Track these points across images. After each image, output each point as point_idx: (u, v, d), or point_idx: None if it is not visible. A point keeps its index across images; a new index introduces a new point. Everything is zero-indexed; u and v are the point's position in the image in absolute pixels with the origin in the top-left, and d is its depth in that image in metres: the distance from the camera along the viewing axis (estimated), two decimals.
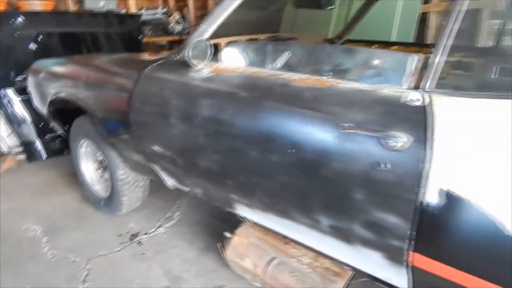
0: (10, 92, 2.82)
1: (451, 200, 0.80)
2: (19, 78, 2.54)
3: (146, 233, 1.96)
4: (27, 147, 2.92)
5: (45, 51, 2.73)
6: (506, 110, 0.75)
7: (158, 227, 2.01)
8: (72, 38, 3.08)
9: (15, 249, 1.82)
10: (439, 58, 0.85)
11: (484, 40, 1.29)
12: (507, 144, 0.73)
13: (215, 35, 1.33)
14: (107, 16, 3.55)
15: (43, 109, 2.26)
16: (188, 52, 1.22)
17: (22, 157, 2.96)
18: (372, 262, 1.03)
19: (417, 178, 0.83)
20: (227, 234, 1.59)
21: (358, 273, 1.17)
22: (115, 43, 3.37)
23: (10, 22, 2.77)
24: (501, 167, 0.74)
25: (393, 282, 1.03)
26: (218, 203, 1.48)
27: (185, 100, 1.31)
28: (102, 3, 3.60)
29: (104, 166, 2.02)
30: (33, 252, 1.80)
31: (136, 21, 3.43)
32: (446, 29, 0.84)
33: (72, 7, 3.48)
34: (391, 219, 0.90)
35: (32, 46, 2.74)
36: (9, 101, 2.85)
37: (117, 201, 2.03)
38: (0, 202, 2.30)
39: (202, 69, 1.28)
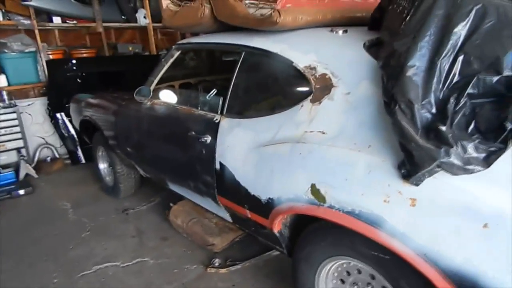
0: (62, 115, 4.14)
1: (223, 167, 1.71)
2: (68, 105, 3.75)
3: (133, 209, 3.02)
4: (72, 154, 4.23)
5: (86, 85, 4.00)
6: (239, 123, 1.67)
7: (142, 206, 3.06)
8: (107, 75, 4.31)
9: (52, 214, 2.99)
10: (228, 98, 1.78)
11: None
12: (241, 144, 1.64)
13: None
14: (133, 57, 4.85)
15: (77, 127, 3.48)
16: (135, 94, 2.29)
17: (68, 161, 4.28)
18: (212, 207, 1.96)
19: (213, 156, 1.76)
20: (171, 205, 2.60)
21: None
22: (139, 78, 4.61)
23: (65, 66, 4.13)
24: (239, 150, 1.65)
25: (226, 218, 1.95)
26: (162, 182, 2.48)
27: (137, 119, 2.38)
28: (130, 48, 4.91)
29: (110, 164, 3.15)
30: (62, 216, 2.95)
31: (156, 60, 4.63)
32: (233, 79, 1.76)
33: (107, 52, 4.82)
34: (208, 178, 1.83)
35: (78, 80, 4.03)
36: (62, 121, 4.18)
37: (117, 188, 3.13)
38: (50, 189, 3.54)
39: (145, 103, 2.33)
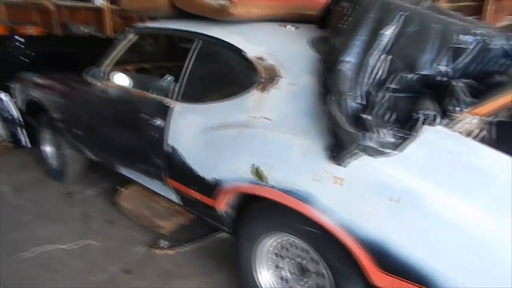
0: (3, 95, 3.91)
1: (174, 149, 1.78)
2: (12, 85, 3.56)
3: (80, 194, 2.96)
4: (15, 137, 4.01)
5: (34, 65, 3.80)
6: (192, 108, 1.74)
7: (90, 191, 3.01)
8: (57, 56, 4.14)
9: None
10: (180, 83, 1.85)
11: None
12: (189, 128, 1.71)
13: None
14: (87, 39, 4.69)
15: (23, 108, 3.32)
16: (85, 76, 2.27)
17: (11, 145, 4.06)
18: (161, 189, 2.01)
19: (163, 139, 1.81)
20: (120, 188, 2.60)
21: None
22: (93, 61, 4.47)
23: (8, 42, 3.91)
24: (190, 134, 1.72)
25: (174, 200, 2.01)
26: (111, 166, 2.48)
27: (88, 101, 2.35)
28: (84, 29, 4.74)
29: (57, 147, 3.05)
30: (4, 200, 2.83)
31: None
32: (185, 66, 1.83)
33: (59, 32, 4.62)
34: (157, 160, 1.88)
35: (24, 59, 3.83)
36: (5, 102, 3.95)
37: (64, 173, 3.05)
38: None
39: (96, 85, 2.31)
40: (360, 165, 1.14)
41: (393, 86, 1.16)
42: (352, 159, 1.13)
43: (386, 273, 1.12)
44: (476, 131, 1.13)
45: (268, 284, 1.65)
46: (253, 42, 1.62)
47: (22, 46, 3.93)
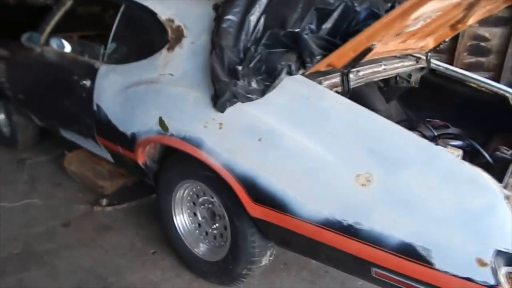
0: None
1: (99, 108, 1.92)
2: None
3: (30, 160, 3.09)
4: None
5: None
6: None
7: (39, 156, 3.13)
8: (12, 26, 4.12)
9: None
10: (105, 46, 1.97)
11: None
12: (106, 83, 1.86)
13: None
14: (44, 9, 4.66)
15: None
16: (23, 39, 2.36)
17: None
18: (95, 148, 2.17)
19: (92, 99, 1.96)
20: (66, 152, 2.74)
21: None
22: None
23: None
24: (111, 93, 1.86)
25: (108, 158, 2.17)
26: (54, 130, 2.60)
27: (28, 66, 2.46)
28: None
29: (6, 114, 3.14)
30: None
31: None
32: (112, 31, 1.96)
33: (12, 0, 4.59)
34: (88, 120, 2.03)
35: None
36: None
37: (15, 139, 3.16)
38: None
39: (35, 50, 2.41)
40: (235, 110, 1.32)
41: (266, 42, 1.33)
42: (228, 105, 1.31)
43: (258, 204, 1.33)
44: (339, 83, 1.32)
45: (186, 228, 1.85)
46: (166, 5, 1.76)
47: None
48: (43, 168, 2.95)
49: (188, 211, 1.84)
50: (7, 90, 2.81)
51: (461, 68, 3.09)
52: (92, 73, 1.98)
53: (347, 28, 1.39)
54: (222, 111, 1.34)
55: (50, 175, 2.83)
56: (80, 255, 1.97)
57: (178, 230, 1.84)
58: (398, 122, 1.47)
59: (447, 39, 2.16)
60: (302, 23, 1.33)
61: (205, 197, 1.73)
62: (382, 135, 1.12)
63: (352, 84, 1.48)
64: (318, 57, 1.26)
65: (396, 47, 1.76)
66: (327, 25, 1.37)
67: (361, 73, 1.58)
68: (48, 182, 2.73)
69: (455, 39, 3.06)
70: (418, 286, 1.07)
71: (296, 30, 1.32)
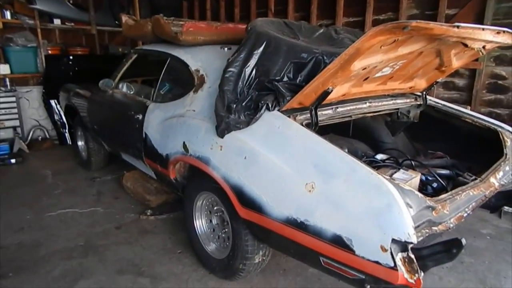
0: (55, 102, 5.02)
1: (146, 135, 2.56)
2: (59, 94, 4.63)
3: (99, 178, 3.88)
4: (60, 136, 5.12)
5: (78, 79, 4.86)
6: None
7: (107, 176, 3.92)
8: (97, 72, 5.17)
9: (35, 178, 3.89)
10: (155, 88, 2.64)
11: None
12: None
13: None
14: (122, 57, 5.77)
15: (63, 110, 4.37)
16: (100, 85, 3.17)
17: (57, 142, 5.18)
18: (143, 167, 2.80)
19: (142, 128, 2.60)
20: (125, 172, 3.46)
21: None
22: None
23: (60, 60, 5.05)
24: (155, 124, 2.49)
25: (152, 175, 2.78)
26: (118, 154, 3.34)
27: (102, 104, 3.26)
28: (120, 49, 5.84)
29: (85, 142, 4.02)
30: (42, 180, 3.84)
31: None
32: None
33: (99, 51, 5.77)
34: (138, 145, 2.67)
35: (71, 74, 4.90)
36: (55, 107, 5.07)
37: (89, 162, 4.01)
38: (37, 161, 4.44)
39: (108, 92, 3.20)
40: (231, 136, 1.82)
41: (256, 87, 1.84)
42: (226, 132, 1.81)
43: (244, 207, 1.77)
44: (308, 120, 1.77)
45: (203, 231, 2.33)
46: (195, 59, 2.38)
47: (71, 63, 5.03)
48: (108, 185, 3.70)
49: (204, 216, 2.33)
50: (87, 122, 3.66)
51: (481, 105, 3.28)
52: (143, 109, 2.65)
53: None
54: (222, 137, 1.84)
55: (112, 190, 3.56)
56: (125, 250, 2.54)
57: (197, 232, 2.33)
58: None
59: (439, 80, 2.46)
60: (282, 73, 1.82)
61: (218, 206, 2.22)
62: (324, 154, 1.52)
63: (329, 118, 1.91)
64: (288, 98, 1.72)
65: (376, 88, 2.14)
66: (303, 73, 1.83)
67: (340, 110, 1.99)
68: (110, 196, 3.44)
69: (472, 77, 3.26)
70: (349, 270, 1.41)
71: (277, 78, 1.80)
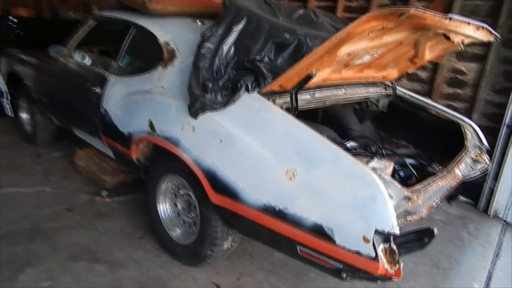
0: None
1: (106, 111, 2.34)
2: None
3: (46, 155, 3.54)
4: (0, 107, 4.60)
5: (22, 43, 4.35)
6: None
7: (54, 152, 3.59)
8: (44, 37, 4.67)
9: None
10: (116, 60, 2.41)
11: None
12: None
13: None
14: (73, 23, 5.27)
15: (4, 78, 3.91)
16: (50, 52, 2.84)
17: None
18: (100, 146, 2.58)
19: (100, 103, 2.38)
20: (77, 149, 3.19)
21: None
22: None
23: (2, 22, 4.48)
24: (116, 99, 2.28)
25: (110, 155, 2.58)
26: (69, 129, 3.05)
27: (51, 73, 2.93)
28: (71, 14, 5.33)
29: (30, 115, 3.64)
30: None
31: None
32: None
33: (48, 16, 5.22)
34: (96, 121, 2.45)
35: (13, 37, 4.37)
36: None
37: (35, 136, 3.64)
38: None
39: (59, 60, 2.89)
40: (205, 117, 1.70)
41: (234, 65, 1.72)
42: (199, 112, 1.69)
43: (217, 193, 1.68)
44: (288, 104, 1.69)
45: (167, 215, 2.20)
46: (165, 31, 2.19)
47: (14, 26, 4.49)
48: (56, 162, 3.39)
49: (169, 200, 2.20)
50: (33, 92, 3.29)
51: (440, 97, 3.41)
52: (102, 82, 2.41)
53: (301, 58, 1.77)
54: (195, 117, 1.71)
55: (61, 169, 3.27)
56: (78, 234, 2.35)
57: (160, 217, 2.20)
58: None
59: (409, 71, 2.50)
60: (262, 53, 1.72)
61: (184, 190, 2.10)
62: (306, 141, 1.47)
63: (306, 104, 1.85)
64: (269, 79, 1.63)
65: (353, 75, 2.12)
66: (284, 55, 1.75)
67: (317, 95, 1.95)
68: (59, 174, 3.16)
69: (434, 71, 3.38)
70: (326, 259, 1.39)
71: (257, 58, 1.70)
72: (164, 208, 2.19)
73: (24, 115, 3.80)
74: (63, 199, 2.76)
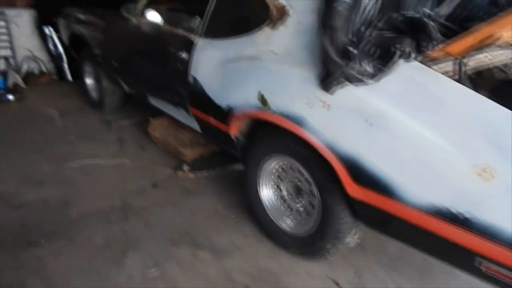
0: (47, 29, 4.28)
1: (195, 80, 2.06)
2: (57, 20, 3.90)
3: (114, 122, 3.38)
4: (59, 70, 4.47)
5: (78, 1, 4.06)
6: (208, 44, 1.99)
7: (123, 120, 3.42)
8: None
9: (40, 119, 3.35)
10: (204, 21, 2.08)
11: None
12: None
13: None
14: None
15: (66, 42, 3.70)
16: (122, 11, 2.54)
17: (56, 77, 4.54)
18: (185, 118, 2.34)
19: (187, 71, 2.09)
20: (150, 119, 2.97)
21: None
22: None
23: None
24: (209, 66, 1.98)
25: (196, 128, 2.33)
26: (143, 97, 2.82)
27: (124, 35, 2.65)
28: None
29: (96, 80, 3.44)
30: (50, 121, 3.31)
31: None
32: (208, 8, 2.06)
33: None
34: (182, 90, 2.18)
35: None
36: (50, 36, 4.34)
37: (102, 103, 3.47)
38: (38, 98, 3.86)
39: (131, 20, 2.59)
40: (344, 92, 1.36)
41: (380, 25, 1.34)
42: (338, 87, 1.36)
43: (359, 185, 1.39)
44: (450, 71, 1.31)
45: (272, 202, 1.96)
46: None
47: None
48: (128, 131, 3.23)
49: (272, 183, 1.95)
50: (100, 57, 3.06)
51: None
52: (189, 46, 2.10)
53: (467, 15, 1.35)
54: (329, 91, 1.38)
55: (134, 138, 3.10)
56: (170, 214, 2.17)
57: (263, 203, 1.96)
58: None
59: None
60: (418, 7, 1.32)
61: (292, 173, 1.82)
62: (508, 130, 1.11)
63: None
64: (436, 43, 1.25)
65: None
66: (445, 10, 1.34)
67: (471, 63, 1.53)
68: (134, 145, 2.99)
69: None
70: None
71: (413, 14, 1.31)
72: (267, 192, 1.94)
73: (88, 81, 3.62)
74: (144, 172, 2.60)
